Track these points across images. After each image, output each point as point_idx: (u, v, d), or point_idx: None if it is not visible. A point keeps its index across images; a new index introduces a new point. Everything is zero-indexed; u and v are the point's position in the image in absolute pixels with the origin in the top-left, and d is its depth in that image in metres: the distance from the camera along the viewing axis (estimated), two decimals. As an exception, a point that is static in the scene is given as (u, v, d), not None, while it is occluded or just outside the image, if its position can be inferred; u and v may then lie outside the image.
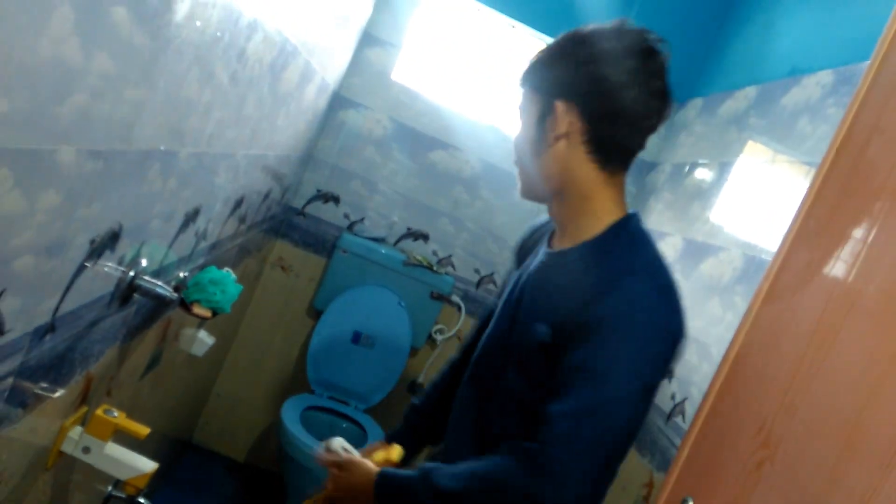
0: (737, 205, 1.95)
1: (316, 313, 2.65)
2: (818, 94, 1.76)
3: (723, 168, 2.09)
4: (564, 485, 0.87)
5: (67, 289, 0.87)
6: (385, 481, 1.09)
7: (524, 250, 1.24)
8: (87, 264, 0.90)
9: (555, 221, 1.13)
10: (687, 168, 2.35)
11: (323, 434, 2.36)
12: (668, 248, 2.23)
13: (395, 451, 1.27)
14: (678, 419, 1.83)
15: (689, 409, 1.79)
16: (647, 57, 1.03)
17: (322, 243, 2.65)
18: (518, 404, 1.04)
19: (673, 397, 1.90)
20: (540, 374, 0.99)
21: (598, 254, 1.02)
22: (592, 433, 0.90)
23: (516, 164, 1.11)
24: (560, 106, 1.01)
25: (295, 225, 2.63)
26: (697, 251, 2.04)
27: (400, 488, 1.06)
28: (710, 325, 1.83)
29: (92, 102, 0.72)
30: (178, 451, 2.50)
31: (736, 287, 1.78)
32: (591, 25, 1.04)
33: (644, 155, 2.65)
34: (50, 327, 0.87)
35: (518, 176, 1.11)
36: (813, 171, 1.67)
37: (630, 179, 2.68)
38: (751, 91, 2.10)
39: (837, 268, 0.71)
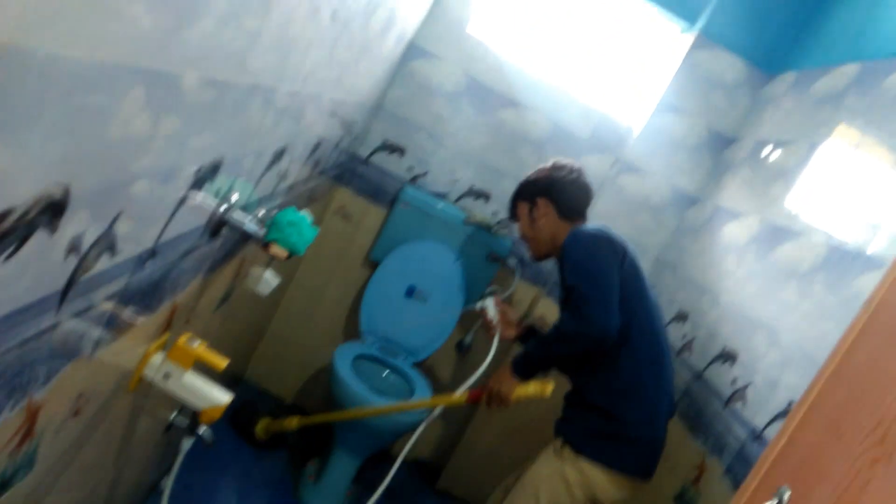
0: (823, 190, 1.86)
1: (371, 264, 2.66)
2: (929, 79, 1.65)
3: (810, 149, 1.99)
4: (591, 315, 1.67)
5: (171, 216, 0.87)
6: (515, 358, 1.82)
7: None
8: (189, 194, 0.89)
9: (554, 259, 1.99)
10: (770, 146, 2.25)
11: (372, 384, 2.39)
12: (742, 229, 2.16)
13: (549, 387, 1.79)
14: (737, 405, 1.79)
15: (752, 396, 1.75)
16: (577, 172, 1.99)
17: (383, 194, 2.64)
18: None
19: (734, 382, 1.85)
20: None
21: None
22: (593, 295, 1.68)
23: (523, 239, 2.02)
24: (539, 200, 1.96)
25: (358, 173, 2.62)
26: (775, 234, 1.96)
27: (520, 355, 1.82)
28: (784, 311, 1.77)
29: (216, 29, 0.70)
30: (230, 386, 2.56)
31: (816, 276, 1.71)
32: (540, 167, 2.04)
33: (723, 129, 2.59)
34: (152, 253, 0.87)
35: (528, 248, 2.03)
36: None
37: (706, 153, 2.75)
38: (851, 68, 1.99)
39: None
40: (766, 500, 0.80)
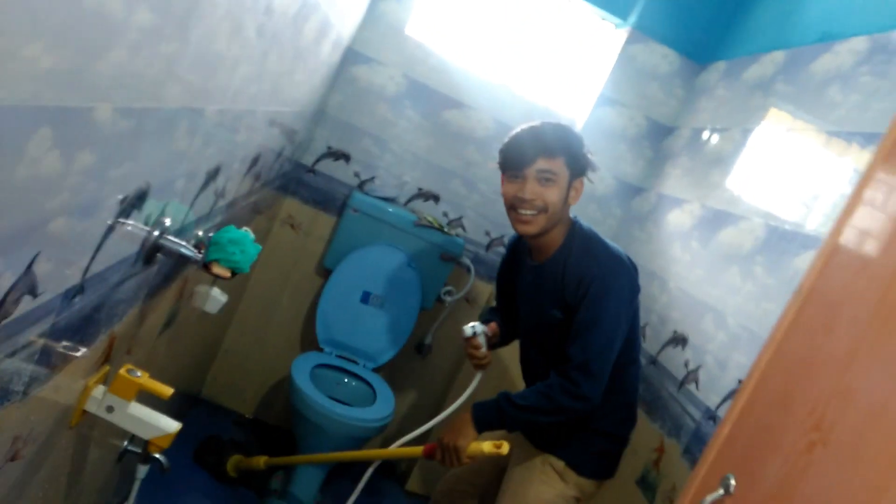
0: (759, 173, 1.92)
1: (325, 272, 2.64)
2: (851, 62, 1.71)
3: (744, 134, 2.05)
4: (590, 395, 1.51)
5: (97, 250, 0.84)
6: (477, 405, 1.62)
7: (511, 254, 1.85)
8: (116, 224, 0.87)
9: (537, 244, 1.65)
10: (706, 133, 2.30)
11: (332, 392, 2.37)
12: (686, 216, 2.21)
13: (506, 447, 1.57)
14: (691, 386, 1.83)
15: (703, 377, 1.80)
16: None
17: (332, 201, 2.62)
18: (555, 351, 1.60)
19: (686, 364, 1.90)
20: (562, 334, 1.59)
21: (568, 254, 1.60)
22: (597, 364, 1.52)
23: (542, 212, 1.56)
24: (582, 179, 1.63)
25: (305, 182, 2.59)
26: (716, 219, 2.01)
27: (488, 407, 1.60)
28: (728, 294, 1.82)
29: (129, 58, 0.68)
30: (187, 405, 2.51)
31: (756, 257, 1.76)
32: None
33: (662, 119, 2.64)
34: (80, 289, 0.85)
35: (537, 221, 1.57)
36: (840, 142, 1.64)
37: (646, 143, 2.73)
38: (778, 56, 2.05)
39: (901, 249, 0.69)
40: (714, 488, 0.82)
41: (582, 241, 1.61)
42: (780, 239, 1.70)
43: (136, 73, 0.72)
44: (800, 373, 0.76)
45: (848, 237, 0.76)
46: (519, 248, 1.79)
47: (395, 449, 1.93)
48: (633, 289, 1.61)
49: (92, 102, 0.65)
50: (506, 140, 1.63)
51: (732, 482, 0.78)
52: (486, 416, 1.60)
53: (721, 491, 0.79)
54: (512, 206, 1.58)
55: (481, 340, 1.76)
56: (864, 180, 0.75)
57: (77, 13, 0.55)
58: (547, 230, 1.59)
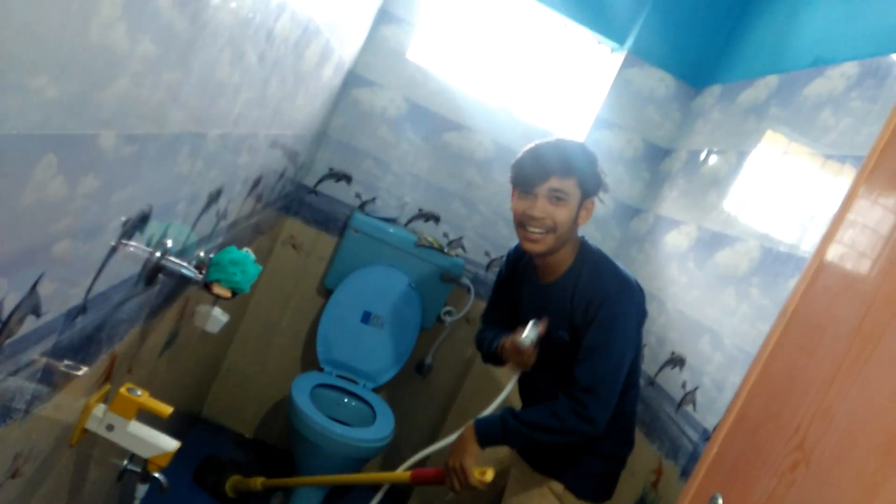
0: (754, 195, 1.94)
1: (326, 292, 2.66)
2: (842, 86, 1.74)
3: (740, 157, 2.08)
4: (597, 418, 1.50)
5: (100, 271, 0.86)
6: (480, 420, 1.62)
7: (513, 267, 1.81)
8: (117, 246, 0.89)
9: (544, 263, 1.64)
10: (703, 155, 2.33)
11: (332, 412, 2.38)
12: (682, 237, 2.23)
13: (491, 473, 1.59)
14: (688, 408, 1.84)
15: (701, 399, 1.80)
16: None
17: (333, 222, 2.64)
18: (560, 371, 1.59)
19: (684, 386, 1.90)
20: (568, 355, 1.57)
21: (578, 276, 1.59)
22: (605, 387, 1.50)
23: (551, 231, 1.55)
24: (593, 199, 1.61)
25: (306, 203, 2.62)
26: (712, 241, 2.03)
27: (492, 423, 1.59)
28: (724, 315, 1.83)
29: (133, 87, 0.71)
30: (188, 425, 2.52)
31: (752, 279, 1.78)
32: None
33: (659, 141, 2.67)
34: (82, 309, 0.87)
35: (545, 240, 1.56)
36: (835, 164, 1.66)
37: (643, 165, 2.73)
38: (772, 80, 2.08)
39: (880, 272, 0.70)
40: (701, 508, 0.83)
41: (592, 263, 1.60)
42: (774, 261, 1.72)
43: (139, 100, 0.75)
44: (784, 393, 0.77)
45: (830, 258, 0.78)
46: (522, 263, 1.77)
47: (382, 473, 1.93)
48: (641, 313, 1.61)
49: (96, 130, 0.67)
50: (519, 155, 1.61)
51: (720, 502, 0.79)
52: (490, 431, 1.58)
53: (709, 510, 0.80)
54: (521, 223, 1.58)
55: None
56: (847, 202, 0.77)
57: (83, 46, 0.58)
58: (555, 249, 1.58)
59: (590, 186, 1.59)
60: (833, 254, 0.78)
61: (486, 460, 1.70)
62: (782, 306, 0.85)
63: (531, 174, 1.55)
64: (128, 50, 0.66)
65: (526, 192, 1.56)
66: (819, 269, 0.79)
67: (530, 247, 1.57)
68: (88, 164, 0.70)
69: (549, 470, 1.68)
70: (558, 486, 1.67)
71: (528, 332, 1.60)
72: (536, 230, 1.54)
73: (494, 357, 1.79)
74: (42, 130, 0.58)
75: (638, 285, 1.62)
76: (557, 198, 1.53)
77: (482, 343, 1.85)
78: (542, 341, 1.66)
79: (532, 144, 1.61)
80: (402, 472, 1.78)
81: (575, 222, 1.58)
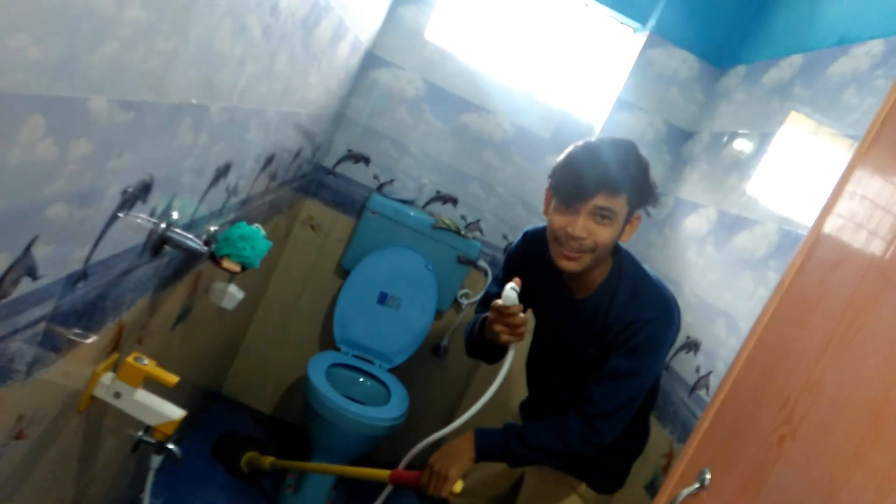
0: (775, 177, 1.90)
1: (344, 273, 2.68)
2: (867, 65, 1.69)
3: (763, 139, 2.03)
4: (603, 443, 1.41)
5: (100, 238, 0.88)
6: (482, 432, 1.49)
7: (531, 256, 1.59)
8: (119, 214, 0.91)
9: (577, 278, 1.47)
10: (725, 138, 2.28)
11: (348, 391, 2.40)
12: (702, 221, 2.19)
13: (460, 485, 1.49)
14: (702, 392, 1.82)
15: (714, 383, 1.78)
16: None
17: (351, 203, 2.66)
18: (579, 378, 1.49)
19: (698, 370, 1.88)
20: (592, 368, 1.47)
21: (613, 294, 1.44)
22: (624, 414, 1.42)
23: (590, 252, 1.37)
24: (637, 217, 1.43)
25: (325, 184, 2.64)
26: (732, 224, 2.00)
27: (494, 439, 1.48)
28: (740, 299, 1.80)
29: (123, 52, 0.72)
30: (207, 401, 2.57)
31: (769, 262, 1.74)
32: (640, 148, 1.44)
33: (681, 124, 2.63)
34: (82, 275, 0.89)
35: (582, 259, 1.38)
36: (856, 145, 1.61)
37: (665, 148, 2.66)
38: (796, 59, 2.03)
39: (875, 244, 0.68)
40: (690, 483, 0.82)
41: (630, 281, 1.44)
42: (793, 243, 1.68)
43: (131, 66, 0.76)
44: (775, 366, 0.76)
45: (828, 231, 0.76)
46: (545, 259, 1.49)
47: (360, 469, 1.83)
48: (676, 335, 1.48)
49: (85, 93, 0.69)
50: (562, 159, 1.41)
51: (708, 476, 0.78)
52: (491, 449, 1.47)
53: (697, 485, 0.79)
54: (557, 239, 1.39)
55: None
56: (845, 177, 0.75)
57: (64, 7, 0.59)
58: (590, 268, 1.42)
59: (640, 201, 1.40)
60: (830, 226, 0.76)
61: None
62: (779, 280, 0.84)
63: (576, 188, 1.34)
64: (114, 14, 0.67)
65: (567, 206, 1.36)
66: (816, 242, 0.77)
67: (565, 265, 1.39)
68: (80, 128, 0.71)
69: (569, 468, 1.63)
70: (580, 485, 1.63)
71: (508, 291, 1.38)
72: (574, 249, 1.37)
73: (482, 345, 1.58)
74: (25, 90, 0.59)
75: (677, 306, 1.48)
76: (603, 216, 1.34)
77: (468, 331, 1.65)
78: (565, 350, 1.55)
79: (577, 147, 1.40)
80: (381, 471, 1.67)
81: (617, 236, 1.40)
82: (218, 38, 0.97)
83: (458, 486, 1.46)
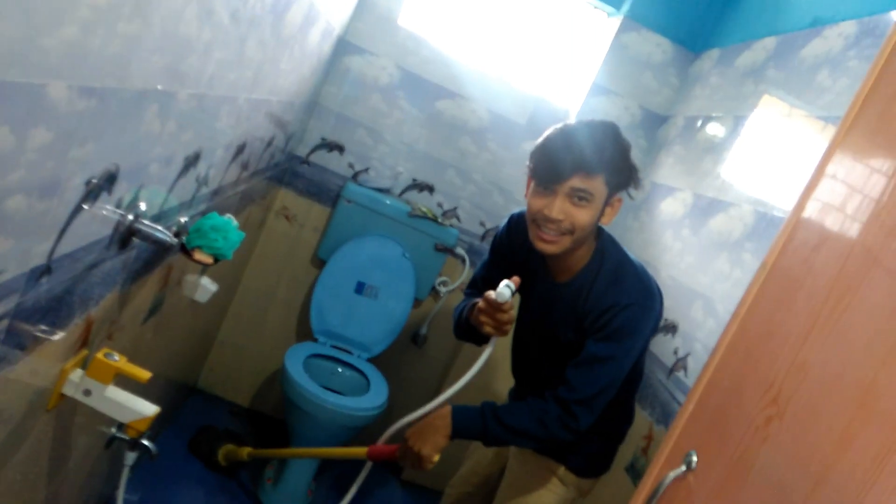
0: (750, 160, 1.90)
1: (320, 263, 2.64)
2: (840, 46, 1.70)
3: (737, 122, 2.04)
4: (580, 429, 1.41)
5: (63, 231, 0.85)
6: (459, 410, 1.48)
7: (517, 238, 1.58)
8: (83, 206, 0.87)
9: (558, 261, 1.47)
10: (700, 121, 2.29)
11: (326, 382, 2.38)
12: (678, 204, 2.20)
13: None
14: (680, 374, 1.83)
15: (692, 364, 1.79)
16: None
17: (326, 192, 2.62)
18: (560, 360, 1.47)
19: (676, 352, 1.89)
20: (571, 351, 1.45)
21: (594, 278, 1.44)
22: (601, 399, 1.41)
23: (568, 234, 1.37)
24: (620, 196, 1.43)
25: (299, 173, 2.59)
26: (707, 207, 2.00)
27: (471, 417, 1.46)
28: (717, 281, 1.81)
29: (83, 36, 0.69)
30: (183, 395, 2.53)
31: (745, 244, 1.75)
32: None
33: (656, 108, 2.62)
34: (46, 269, 0.85)
35: (560, 242, 1.38)
36: (830, 126, 1.62)
37: (640, 132, 2.65)
38: (770, 42, 2.03)
39: (858, 224, 0.68)
40: (677, 465, 0.81)
41: (611, 266, 1.44)
42: (768, 225, 1.69)
43: (91, 51, 0.72)
44: (760, 348, 0.75)
45: (809, 213, 0.75)
46: (528, 241, 1.49)
47: (338, 449, 1.86)
48: (657, 325, 1.47)
49: (43, 79, 0.65)
50: (539, 142, 1.40)
51: (694, 458, 0.78)
52: (468, 427, 1.46)
53: (683, 467, 0.78)
54: (534, 221, 1.39)
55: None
56: (826, 157, 0.75)
57: (17, -14, 0.55)
58: (570, 251, 1.41)
59: (619, 182, 1.39)
60: (812, 207, 0.76)
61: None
62: (762, 261, 0.83)
63: (551, 170, 1.33)
64: (71, -6, 0.63)
65: (544, 189, 1.36)
66: (797, 223, 0.77)
67: (543, 247, 1.39)
68: (38, 116, 0.67)
69: (550, 452, 1.63)
70: (559, 467, 1.63)
71: (503, 288, 1.39)
72: (551, 231, 1.37)
73: (468, 329, 1.58)
74: (-24, 75, 0.55)
75: (659, 292, 1.47)
76: (580, 198, 1.34)
77: (457, 313, 1.67)
78: (544, 333, 1.55)
79: (554, 130, 1.40)
80: (358, 449, 1.70)
81: (597, 220, 1.39)
82: (184, 22, 0.93)
83: (435, 458, 1.46)
